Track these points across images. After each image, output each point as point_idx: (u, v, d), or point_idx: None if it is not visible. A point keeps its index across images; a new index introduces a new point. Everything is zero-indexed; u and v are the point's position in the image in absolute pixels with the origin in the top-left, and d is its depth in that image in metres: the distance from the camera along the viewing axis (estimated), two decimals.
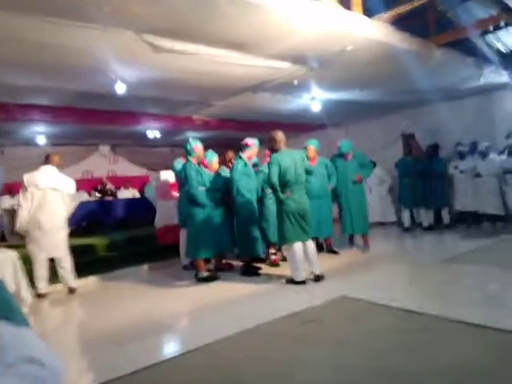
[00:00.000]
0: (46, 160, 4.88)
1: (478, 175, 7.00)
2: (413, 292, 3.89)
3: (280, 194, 4.33)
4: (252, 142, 5.12)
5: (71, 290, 4.79)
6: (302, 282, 4.31)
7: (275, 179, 4.29)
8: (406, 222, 7.70)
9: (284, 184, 4.34)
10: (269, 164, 4.45)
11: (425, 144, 8.19)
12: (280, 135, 4.47)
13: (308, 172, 4.59)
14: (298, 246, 4.32)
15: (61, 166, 5.08)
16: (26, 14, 3.27)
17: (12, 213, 7.21)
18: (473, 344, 2.58)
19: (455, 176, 7.44)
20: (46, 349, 0.48)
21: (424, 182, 7.42)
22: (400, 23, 4.76)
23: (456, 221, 7.52)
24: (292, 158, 4.37)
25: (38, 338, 0.48)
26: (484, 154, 7.00)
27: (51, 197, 4.72)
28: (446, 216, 7.48)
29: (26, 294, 3.81)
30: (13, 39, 3.69)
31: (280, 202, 4.39)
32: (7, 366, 0.39)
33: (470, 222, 7.33)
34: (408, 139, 8.79)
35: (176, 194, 5.92)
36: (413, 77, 6.03)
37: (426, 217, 7.53)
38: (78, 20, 3.44)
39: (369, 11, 4.49)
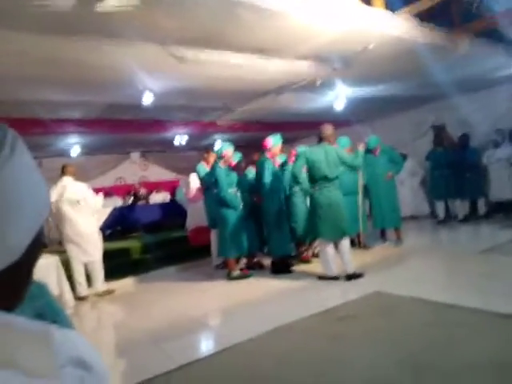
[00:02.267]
0: (62, 172, 5.00)
1: None
2: (448, 285, 3.81)
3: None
4: (270, 144, 5.14)
5: (104, 293, 4.93)
6: (335, 278, 4.31)
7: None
8: (441, 214, 7.52)
9: (312, 178, 4.39)
10: (296, 157, 4.55)
11: (456, 135, 7.95)
12: (324, 130, 4.51)
13: (348, 165, 4.52)
14: (327, 243, 4.34)
15: (76, 176, 5.12)
16: (58, 35, 3.46)
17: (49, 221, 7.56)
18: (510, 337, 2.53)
19: (490, 165, 7.19)
20: (93, 351, 0.48)
21: (457, 173, 7.22)
22: (424, 16, 4.67)
23: (493, 211, 7.26)
24: (325, 152, 4.36)
25: (85, 340, 0.49)
26: None
27: (68, 207, 4.83)
28: (482, 206, 7.25)
29: (68, 296, 4.02)
30: (48, 59, 3.90)
31: (311, 197, 4.46)
32: (59, 367, 0.40)
33: (507, 211, 7.07)
34: (439, 130, 8.57)
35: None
36: (440, 69, 5.89)
37: (461, 208, 7.33)
38: (107, 37, 3.60)
39: (390, 7, 4.44)
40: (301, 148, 5.17)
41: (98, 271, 4.92)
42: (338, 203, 4.35)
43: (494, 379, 2.10)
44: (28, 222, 0.44)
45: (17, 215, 0.43)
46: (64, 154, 9.36)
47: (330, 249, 4.33)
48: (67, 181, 4.91)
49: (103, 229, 7.66)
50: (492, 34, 5.39)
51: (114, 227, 8.10)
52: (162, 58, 4.17)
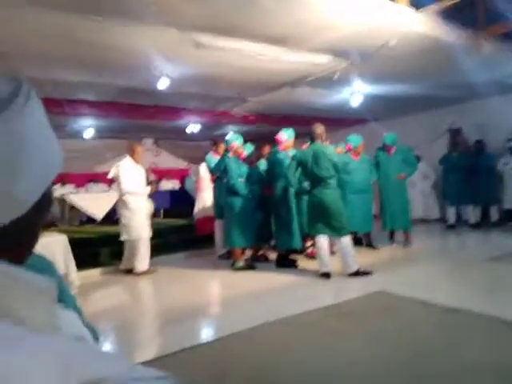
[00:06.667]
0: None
1: None
2: (454, 289, 3.76)
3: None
4: (283, 138, 5.12)
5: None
6: (325, 275, 4.29)
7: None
8: (451, 218, 7.41)
9: (308, 178, 4.50)
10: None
11: (472, 139, 7.80)
12: (316, 129, 4.49)
13: (337, 168, 4.41)
14: (320, 239, 4.35)
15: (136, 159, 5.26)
16: (77, 14, 3.45)
17: (62, 201, 7.64)
18: None
19: (505, 172, 7.06)
20: (88, 333, 0.50)
21: (471, 178, 7.10)
22: (448, 14, 4.57)
23: (505, 219, 7.14)
24: (313, 153, 4.36)
25: (84, 321, 0.51)
26: None
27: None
28: (494, 213, 7.13)
29: (74, 276, 4.04)
30: (65, 37, 3.91)
31: (308, 195, 4.55)
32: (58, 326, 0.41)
33: None
34: (455, 134, 8.43)
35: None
36: (461, 70, 5.76)
37: (472, 214, 7.22)
38: (125, 19, 3.59)
39: (417, 3, 4.34)
40: (293, 151, 5.10)
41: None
42: (329, 203, 4.32)
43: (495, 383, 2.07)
44: (37, 177, 0.43)
45: (26, 167, 0.41)
46: (77, 136, 9.43)
47: (321, 245, 4.35)
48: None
49: (112, 214, 7.72)
50: None
51: None
52: (179, 43, 4.15)
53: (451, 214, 7.44)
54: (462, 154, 7.53)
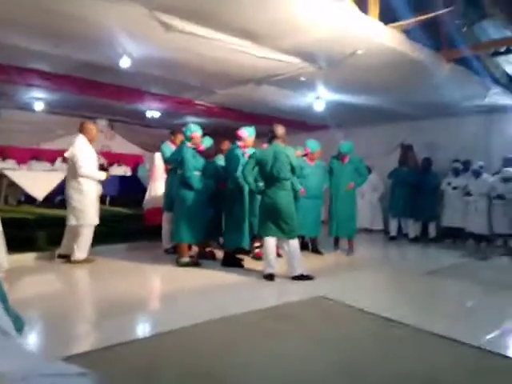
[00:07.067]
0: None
1: (468, 194, 7.06)
2: (392, 301, 3.91)
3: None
4: (245, 135, 5.05)
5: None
6: (269, 277, 4.32)
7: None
8: (393, 231, 7.80)
9: (263, 178, 4.48)
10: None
11: (421, 157, 8.24)
12: (277, 129, 4.50)
13: (293, 170, 4.45)
14: (268, 240, 4.36)
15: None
16: None
17: (1, 177, 7.10)
18: (443, 358, 2.60)
19: (447, 192, 7.51)
20: (9, 322, 0.45)
21: (415, 194, 7.49)
22: (413, 34, 4.78)
23: (442, 235, 7.60)
24: (273, 153, 4.36)
25: (7, 308, 0.45)
26: (477, 174, 7.05)
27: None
28: (432, 230, 7.58)
29: (2, 257, 3.73)
30: (26, 2, 3.63)
31: (261, 195, 4.54)
32: None
33: (455, 238, 7.43)
34: (406, 150, 8.85)
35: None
36: (419, 88, 6.09)
37: (413, 228, 7.63)
38: None
39: (389, 15, 4.50)
40: (252, 150, 5.06)
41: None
42: (281, 205, 4.32)
43: None
44: None
45: None
46: (26, 107, 8.82)
47: (269, 247, 4.36)
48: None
49: (53, 195, 7.28)
50: (472, 63, 5.60)
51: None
52: (147, 22, 3.99)
53: (393, 226, 7.84)
54: (411, 169, 7.93)
